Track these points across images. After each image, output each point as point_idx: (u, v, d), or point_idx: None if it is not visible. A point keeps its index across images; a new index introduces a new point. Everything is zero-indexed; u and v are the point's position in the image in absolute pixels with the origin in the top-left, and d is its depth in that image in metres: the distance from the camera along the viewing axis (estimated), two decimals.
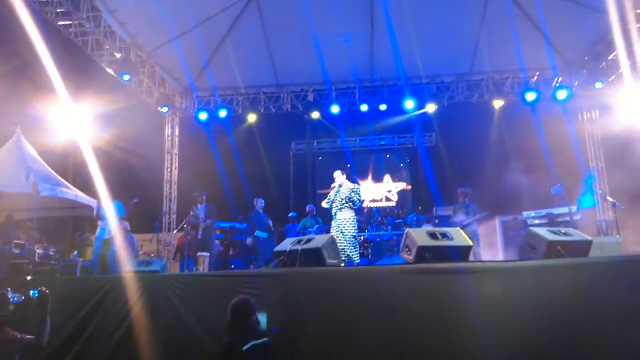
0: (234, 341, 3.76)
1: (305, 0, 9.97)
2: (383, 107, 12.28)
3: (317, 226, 10.62)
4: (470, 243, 5.31)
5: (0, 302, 3.57)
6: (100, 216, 9.13)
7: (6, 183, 7.63)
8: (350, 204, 7.83)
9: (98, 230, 9.20)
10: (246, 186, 13.55)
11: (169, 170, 12.71)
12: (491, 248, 9.39)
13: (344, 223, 7.71)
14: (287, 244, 5.66)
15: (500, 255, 9.98)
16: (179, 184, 12.64)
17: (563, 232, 5.45)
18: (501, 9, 10.02)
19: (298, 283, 5.01)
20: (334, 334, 4.72)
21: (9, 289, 3.72)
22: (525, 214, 9.49)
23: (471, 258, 7.22)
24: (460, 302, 4.63)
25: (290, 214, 11.58)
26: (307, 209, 11.22)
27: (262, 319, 4.79)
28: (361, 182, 15.88)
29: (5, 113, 9.50)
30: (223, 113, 12.45)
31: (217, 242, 10.71)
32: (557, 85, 11.82)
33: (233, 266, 10.44)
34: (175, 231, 10.87)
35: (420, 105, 11.95)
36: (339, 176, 8.10)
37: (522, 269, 4.90)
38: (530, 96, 11.39)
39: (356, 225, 7.87)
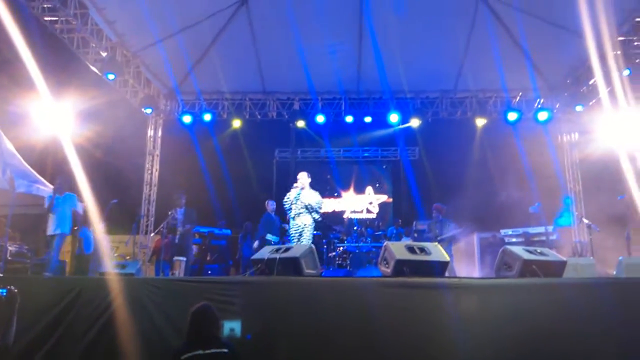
0: (178, 348, 3.70)
1: (295, 10, 10.03)
2: (368, 119, 12.38)
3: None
4: (448, 258, 5.36)
5: None
6: (52, 209, 8.13)
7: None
8: (310, 212, 7.65)
9: (50, 225, 8.20)
10: (229, 191, 13.48)
11: (149, 171, 12.57)
12: (468, 263, 9.50)
13: (304, 229, 7.57)
14: (265, 252, 5.63)
15: (476, 272, 10.09)
16: (159, 186, 12.49)
17: (538, 251, 5.54)
18: (486, 28, 10.18)
19: (275, 291, 4.99)
20: (310, 343, 4.70)
21: None
22: (502, 231, 9.63)
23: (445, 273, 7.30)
24: (436, 316, 4.67)
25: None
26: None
27: (237, 326, 4.76)
28: (343, 193, 15.93)
29: None
30: (207, 117, 12.38)
31: (194, 246, 10.60)
32: (539, 106, 12.06)
33: (210, 272, 10.33)
34: (153, 234, 10.72)
35: (405, 119, 12.06)
36: (303, 177, 7.85)
37: (497, 286, 4.98)
38: (512, 116, 11.58)
39: (313, 232, 7.79)
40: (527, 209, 10.11)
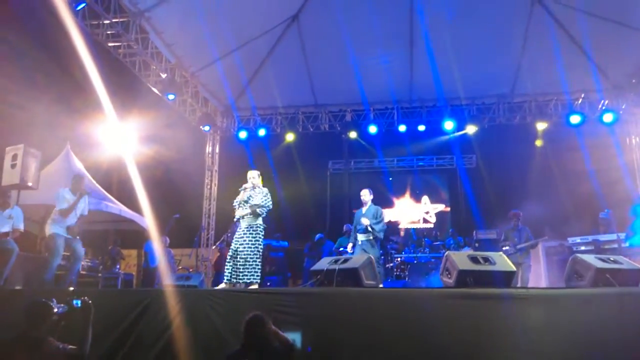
0: (231, 353, 3.87)
1: (345, 22, 10.12)
2: (421, 128, 12.22)
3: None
4: (514, 268, 5.15)
5: (45, 312, 3.64)
6: None
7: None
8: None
9: None
10: (284, 203, 13.64)
11: (209, 186, 12.96)
12: (533, 274, 9.08)
13: (251, 232, 6.71)
14: (324, 263, 5.63)
15: (543, 282, 9.64)
16: (217, 200, 12.85)
17: (612, 259, 5.24)
18: (544, 29, 9.87)
19: (334, 303, 4.95)
20: (370, 355, 4.63)
21: (54, 299, 3.81)
22: (570, 239, 9.16)
23: (518, 284, 7.03)
24: (501, 329, 4.48)
25: (317, 237, 11.38)
26: (344, 228, 11.18)
27: (297, 337, 4.76)
28: (398, 203, 15.73)
29: (57, 129, 9.95)
30: (262, 132, 12.68)
31: None
32: (603, 108, 11.47)
33: (269, 283, 10.45)
34: (214, 247, 11.01)
35: (460, 126, 11.82)
36: (254, 177, 7.03)
37: (568, 297, 4.72)
38: (575, 119, 11.10)
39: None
40: (594, 216, 9.58)
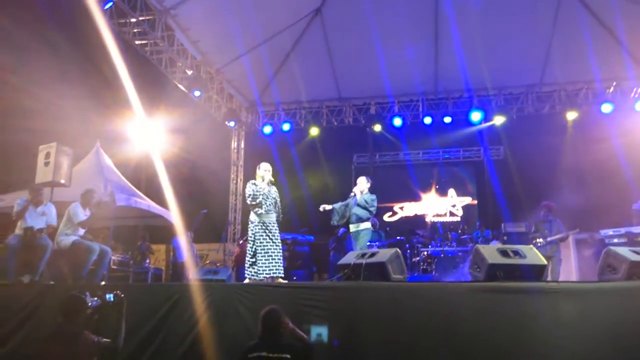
0: (248, 345, 3.88)
1: (368, 15, 10.05)
2: (447, 120, 12.08)
3: (378, 240, 10.50)
4: (545, 262, 5.04)
5: (79, 306, 3.73)
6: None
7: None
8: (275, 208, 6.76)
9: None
10: (309, 198, 13.66)
11: (234, 181, 13.08)
12: (564, 267, 8.88)
13: (275, 226, 6.67)
14: (351, 257, 5.62)
15: (573, 275, 9.43)
16: (243, 195, 12.94)
17: None
18: (573, 16, 9.63)
19: (361, 297, 4.94)
20: (398, 350, 4.61)
21: (87, 293, 3.91)
22: (602, 232, 8.92)
23: (549, 278, 6.87)
24: (532, 324, 4.40)
25: (342, 230, 11.36)
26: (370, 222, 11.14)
27: (324, 331, 4.78)
28: (424, 196, 15.58)
29: (88, 126, 10.17)
30: (286, 126, 12.75)
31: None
32: (636, 96, 11.11)
33: (295, 277, 10.50)
34: (241, 241, 11.12)
35: (487, 117, 11.63)
36: (269, 170, 6.82)
37: (602, 291, 4.60)
38: (607, 107, 10.81)
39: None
40: (626, 208, 9.29)
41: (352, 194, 7.41)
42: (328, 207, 7.44)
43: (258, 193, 6.58)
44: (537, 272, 4.92)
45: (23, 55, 9.28)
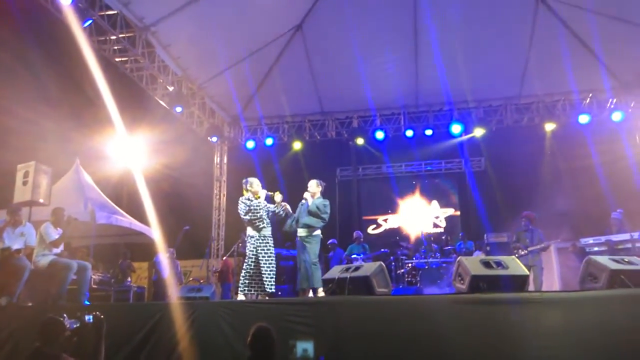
0: None
1: (349, 30, 10.17)
2: (429, 132, 12.21)
3: (363, 253, 10.51)
4: (527, 272, 5.11)
5: (57, 328, 3.65)
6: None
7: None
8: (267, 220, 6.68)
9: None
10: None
11: (218, 197, 13.00)
12: (546, 276, 8.98)
13: (272, 240, 6.69)
14: (335, 272, 5.62)
15: (556, 284, 9.54)
16: (227, 210, 12.87)
17: (626, 260, 5.17)
18: (550, 30, 9.87)
19: (346, 311, 4.94)
20: None
21: (65, 315, 3.82)
22: (582, 240, 9.06)
23: (532, 288, 6.93)
24: (516, 334, 4.44)
25: (330, 241, 11.42)
26: (354, 235, 11.16)
27: (309, 347, 4.75)
28: (407, 208, 15.65)
29: (67, 144, 10.05)
30: (269, 141, 12.77)
31: None
32: (612, 106, 11.40)
33: (279, 292, 10.42)
34: (225, 257, 11.02)
35: (468, 129, 11.80)
36: (257, 184, 6.74)
37: (583, 300, 4.67)
38: (583, 118, 11.09)
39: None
40: (606, 216, 9.45)
41: (303, 200, 7.02)
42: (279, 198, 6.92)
43: (258, 207, 6.59)
44: (519, 282, 4.98)
45: (1, 74, 9.17)
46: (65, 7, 7.46)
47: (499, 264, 5.05)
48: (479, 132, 11.73)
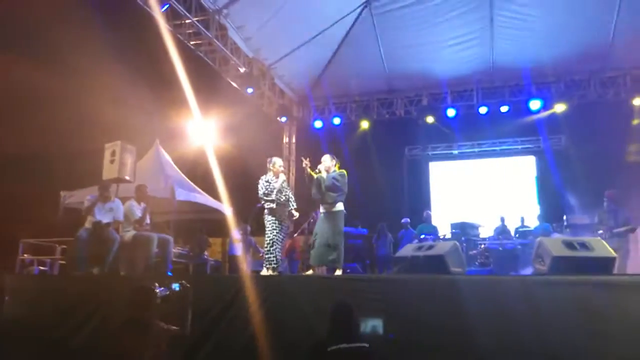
0: (321, 341, 3.74)
1: (418, 3, 9.89)
2: (504, 109, 11.70)
3: (433, 233, 10.35)
4: (614, 254, 4.82)
5: (149, 296, 3.89)
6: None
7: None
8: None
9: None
10: (360, 191, 13.59)
11: (287, 176, 13.21)
12: (632, 260, 8.41)
13: (285, 220, 6.75)
14: (408, 250, 5.59)
15: None
16: (295, 189, 13.09)
17: None
18: None
19: (418, 290, 4.89)
20: (455, 344, 4.52)
21: (156, 283, 4.07)
22: None
23: (616, 271, 6.53)
24: (600, 318, 4.22)
25: (403, 220, 11.37)
26: (424, 214, 11.01)
27: (379, 324, 4.77)
28: (478, 186, 15.13)
29: (148, 125, 10.59)
30: (337, 120, 12.79)
31: None
32: None
33: (348, 270, 10.53)
34: (296, 234, 11.25)
35: (547, 105, 11.17)
36: (279, 164, 6.87)
37: None
38: None
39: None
40: None
41: (317, 170, 6.78)
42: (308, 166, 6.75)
43: (272, 190, 6.57)
44: (605, 264, 4.72)
45: (92, 58, 9.79)
46: None
47: (583, 245, 4.80)
48: (559, 108, 11.09)
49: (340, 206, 6.56)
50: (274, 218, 6.55)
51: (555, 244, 4.87)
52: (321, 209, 6.68)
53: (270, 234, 6.53)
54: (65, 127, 10.22)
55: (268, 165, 6.80)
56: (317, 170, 6.76)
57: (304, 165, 6.78)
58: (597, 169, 11.95)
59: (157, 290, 3.92)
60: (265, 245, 6.57)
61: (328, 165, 6.78)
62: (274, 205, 6.52)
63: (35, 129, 10.29)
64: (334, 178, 6.56)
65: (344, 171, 6.78)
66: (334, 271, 6.29)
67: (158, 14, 7.96)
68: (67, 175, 10.34)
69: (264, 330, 5.07)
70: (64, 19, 8.86)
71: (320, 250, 6.34)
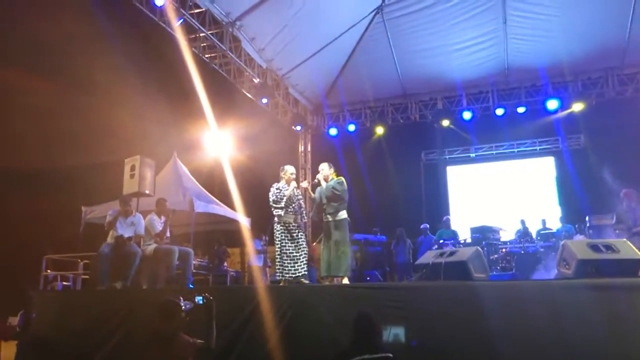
0: (345, 351, 3.74)
1: (431, 6, 9.86)
2: (521, 110, 11.59)
3: (453, 239, 10.24)
4: None
5: (175, 309, 3.92)
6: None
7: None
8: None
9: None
10: (377, 198, 13.54)
11: None
12: None
13: (295, 227, 6.59)
14: (429, 257, 5.54)
15: None
16: (312, 198, 13.08)
17: None
18: None
19: (441, 297, 4.85)
20: (477, 351, 4.46)
21: (181, 297, 4.11)
22: None
23: None
24: (631, 321, 4.13)
25: (422, 225, 11.30)
26: (443, 219, 10.93)
27: (401, 332, 4.73)
28: (498, 190, 14.95)
29: (166, 137, 10.74)
30: (352, 127, 12.82)
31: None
32: None
33: (368, 278, 10.48)
34: (314, 243, 11.23)
35: (564, 105, 11.03)
36: (294, 173, 6.80)
37: None
38: None
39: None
40: None
41: (316, 180, 6.80)
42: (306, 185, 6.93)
43: (282, 197, 6.51)
44: (632, 267, 4.61)
45: (112, 74, 9.99)
46: (160, 8, 7.95)
47: (608, 248, 4.71)
48: (577, 107, 10.94)
49: (343, 214, 6.56)
50: (283, 227, 6.52)
51: (580, 246, 4.79)
52: (324, 220, 6.65)
53: (280, 242, 6.51)
54: (86, 141, 10.43)
55: (280, 173, 6.81)
56: (316, 180, 6.78)
57: (305, 186, 6.90)
58: (617, 168, 11.71)
59: (182, 304, 3.95)
60: (276, 255, 6.54)
61: (326, 173, 6.79)
62: (282, 213, 6.49)
63: (57, 143, 10.51)
64: (333, 188, 6.56)
65: (342, 178, 6.76)
66: (342, 280, 6.28)
67: (175, 29, 8.08)
68: (87, 190, 10.53)
69: (285, 342, 5.07)
70: (84, 35, 9.07)
71: (328, 261, 6.37)
